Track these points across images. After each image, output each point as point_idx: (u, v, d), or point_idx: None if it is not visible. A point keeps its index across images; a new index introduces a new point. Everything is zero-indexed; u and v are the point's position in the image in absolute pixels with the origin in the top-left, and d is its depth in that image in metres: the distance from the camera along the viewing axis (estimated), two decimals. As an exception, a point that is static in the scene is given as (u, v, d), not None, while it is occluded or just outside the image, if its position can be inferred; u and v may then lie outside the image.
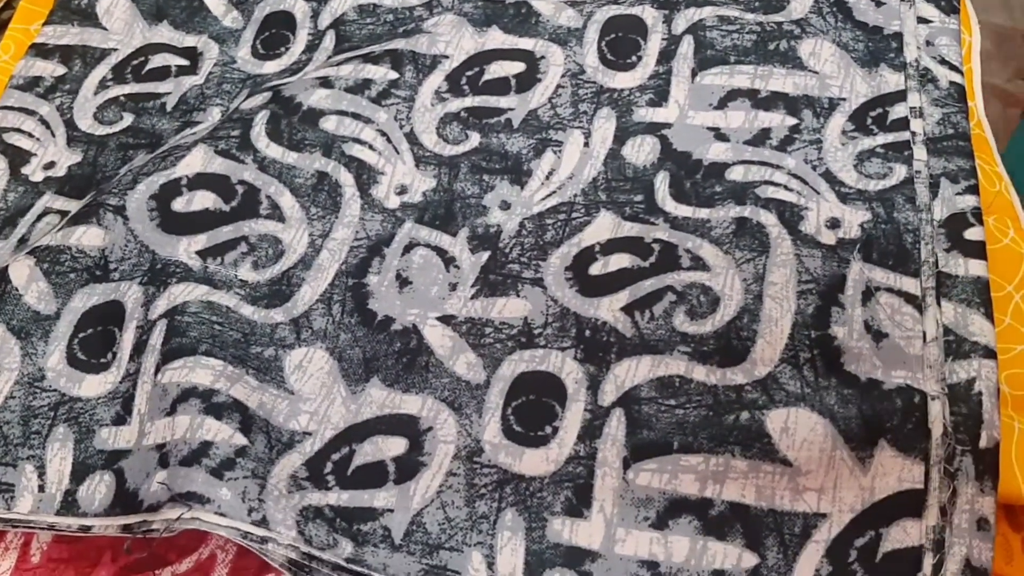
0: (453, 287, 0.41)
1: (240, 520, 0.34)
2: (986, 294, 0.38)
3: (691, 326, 0.38)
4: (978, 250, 0.39)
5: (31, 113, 0.50)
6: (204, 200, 0.44)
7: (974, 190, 0.41)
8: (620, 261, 0.41)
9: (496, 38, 0.48)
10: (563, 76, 0.47)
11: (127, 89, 0.51)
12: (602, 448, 0.36)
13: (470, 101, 0.47)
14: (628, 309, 0.39)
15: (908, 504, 0.34)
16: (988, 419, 0.35)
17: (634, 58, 0.47)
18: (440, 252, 0.42)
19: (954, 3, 0.48)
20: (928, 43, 0.46)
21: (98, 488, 0.37)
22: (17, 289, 0.42)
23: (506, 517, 0.36)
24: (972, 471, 0.34)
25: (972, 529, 0.33)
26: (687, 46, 0.47)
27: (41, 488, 0.38)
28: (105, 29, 0.53)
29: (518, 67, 0.47)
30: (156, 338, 0.39)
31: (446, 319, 0.40)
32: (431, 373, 0.39)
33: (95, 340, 0.41)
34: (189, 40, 0.52)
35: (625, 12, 0.48)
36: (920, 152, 0.42)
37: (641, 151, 0.44)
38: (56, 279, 0.42)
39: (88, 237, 0.43)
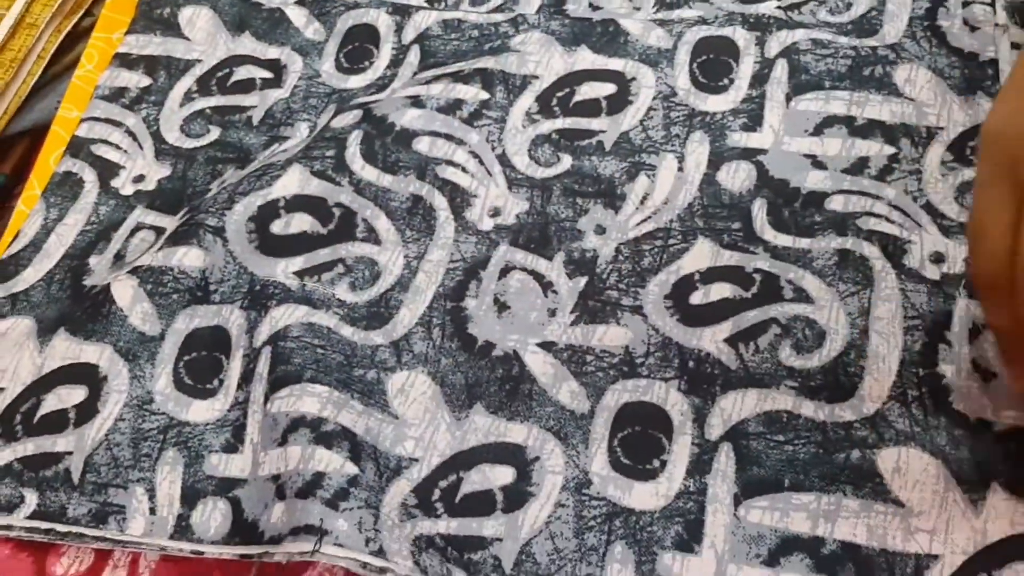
0: (552, 313, 0.41)
1: (359, 551, 0.35)
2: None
3: (797, 360, 0.39)
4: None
5: (118, 124, 0.51)
6: (302, 223, 0.44)
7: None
8: (721, 291, 0.41)
9: (586, 58, 0.48)
10: (654, 98, 0.47)
11: (213, 102, 0.51)
12: (712, 484, 0.37)
13: (561, 123, 0.47)
14: (732, 340, 0.39)
15: (1021, 548, 0.34)
16: (1101, 462, 0.35)
17: (726, 80, 0.47)
18: (537, 276, 0.42)
19: (1047, 27, 0.48)
20: None
21: (213, 515, 0.38)
22: (122, 310, 0.42)
23: (615, 550, 0.36)
24: (1084, 514, 0.35)
25: (1083, 573, 0.34)
26: (781, 70, 0.46)
27: (152, 511, 0.38)
28: (188, 39, 0.53)
29: (609, 88, 0.47)
30: (263, 366, 0.40)
31: (547, 345, 0.41)
32: (535, 401, 0.39)
33: (201, 365, 0.41)
34: (272, 52, 0.52)
35: (716, 33, 0.48)
36: (1021, 184, 0.42)
37: (737, 177, 0.44)
38: (159, 300, 0.42)
39: (189, 258, 0.43)
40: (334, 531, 0.35)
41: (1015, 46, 0.47)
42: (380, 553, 0.35)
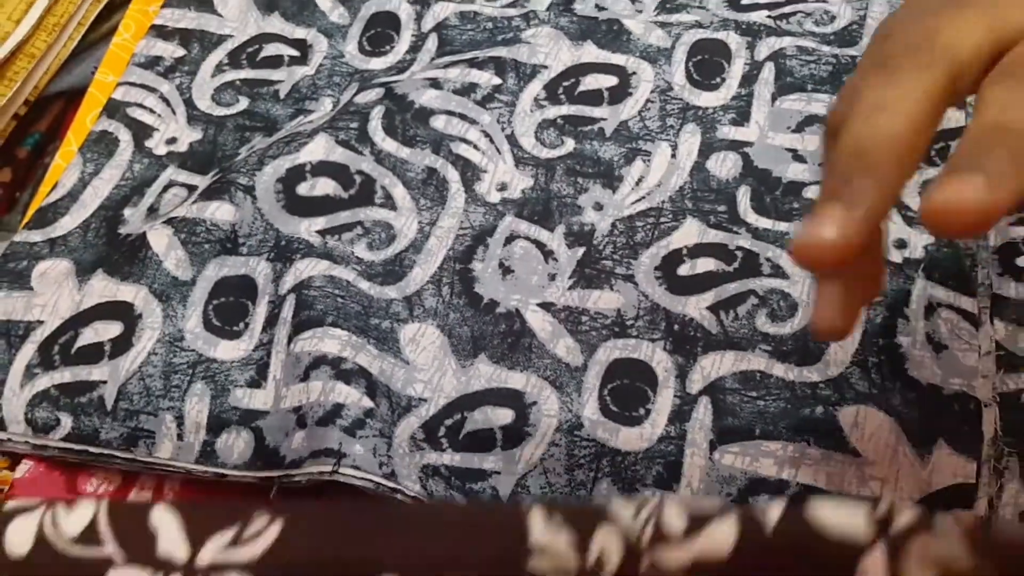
0: (552, 277, 0.45)
1: (374, 474, 0.39)
2: (1035, 315, 0.43)
3: (772, 327, 0.43)
4: (1028, 276, 0.44)
5: (152, 90, 0.54)
6: (326, 187, 0.48)
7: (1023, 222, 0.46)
8: (706, 264, 0.45)
9: (591, 52, 0.53)
10: (652, 92, 0.51)
11: (242, 74, 0.55)
12: (691, 431, 0.41)
13: (566, 109, 0.51)
14: (714, 308, 0.44)
15: (960, 496, 0.38)
16: (1033, 426, 0.40)
17: (718, 79, 0.51)
18: (539, 245, 0.47)
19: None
20: None
21: (236, 443, 0.41)
22: (157, 255, 0.46)
23: (602, 486, 0.40)
24: (1017, 470, 0.39)
25: (1015, 520, 0.38)
26: (768, 72, 0.51)
27: (180, 436, 0.42)
28: (221, 16, 0.57)
29: (611, 80, 0.52)
30: (287, 311, 0.44)
31: (546, 306, 0.45)
32: (534, 354, 0.43)
33: (229, 309, 0.45)
34: (299, 32, 0.56)
35: (711, 36, 0.53)
36: (978, 184, 0.47)
37: (724, 165, 0.48)
38: (192, 248, 0.46)
39: (221, 212, 0.47)
40: (351, 455, 0.39)
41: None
42: (392, 476, 0.39)
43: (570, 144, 0.50)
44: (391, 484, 0.39)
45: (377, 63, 0.55)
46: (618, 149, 0.49)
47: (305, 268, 0.45)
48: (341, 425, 0.40)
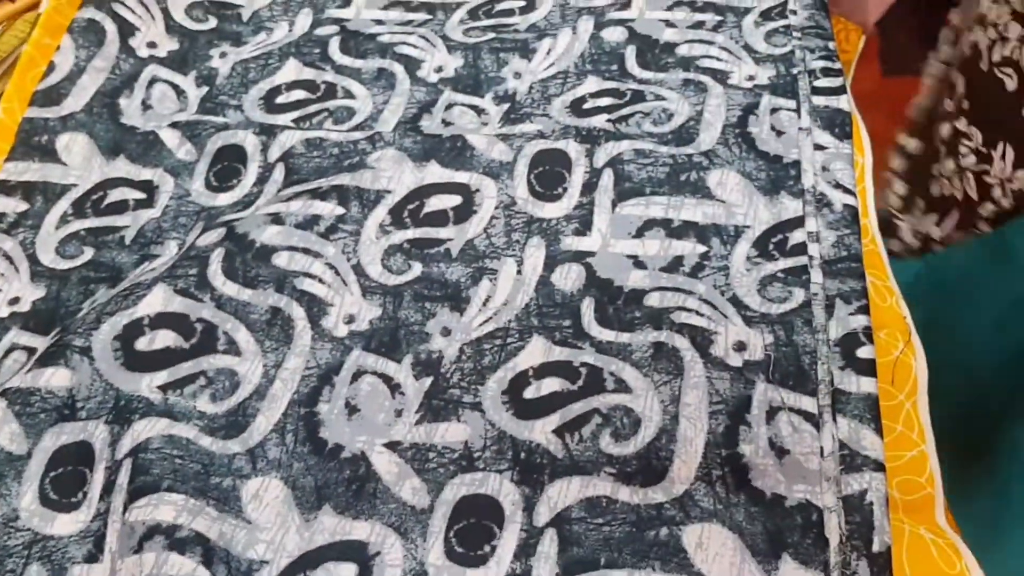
0: (399, 413, 0.45)
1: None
2: (875, 410, 0.42)
3: (615, 447, 0.42)
4: (869, 368, 0.44)
5: (-5, 249, 0.53)
6: (165, 339, 0.47)
7: (865, 310, 0.46)
8: (552, 385, 0.45)
9: (434, 172, 0.53)
10: (496, 207, 0.51)
11: (87, 223, 0.54)
12: (536, 566, 0.40)
13: (412, 233, 0.51)
14: (559, 431, 0.43)
15: (809, 611, 0.38)
16: (879, 526, 0.39)
17: (560, 189, 0.52)
18: (386, 379, 0.46)
19: (847, 129, 0.54)
20: (824, 168, 0.52)
21: None
22: (-11, 432, 0.44)
23: None
24: (867, 573, 0.39)
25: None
26: (607, 178, 0.51)
27: (15, 625, 0.40)
28: (65, 164, 0.57)
29: (455, 200, 0.52)
30: (123, 477, 0.42)
31: (392, 445, 0.44)
32: (379, 499, 0.42)
33: (67, 480, 0.43)
34: (146, 173, 0.56)
35: (551, 146, 0.53)
36: (817, 275, 0.47)
37: (568, 278, 0.48)
38: (27, 420, 0.45)
39: (56, 378, 0.46)
40: (182, 635, 0.37)
41: (817, 147, 0.53)
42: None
43: (417, 268, 0.49)
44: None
45: (224, 198, 0.55)
46: (465, 269, 0.49)
47: (143, 429, 0.44)
48: (173, 602, 0.38)
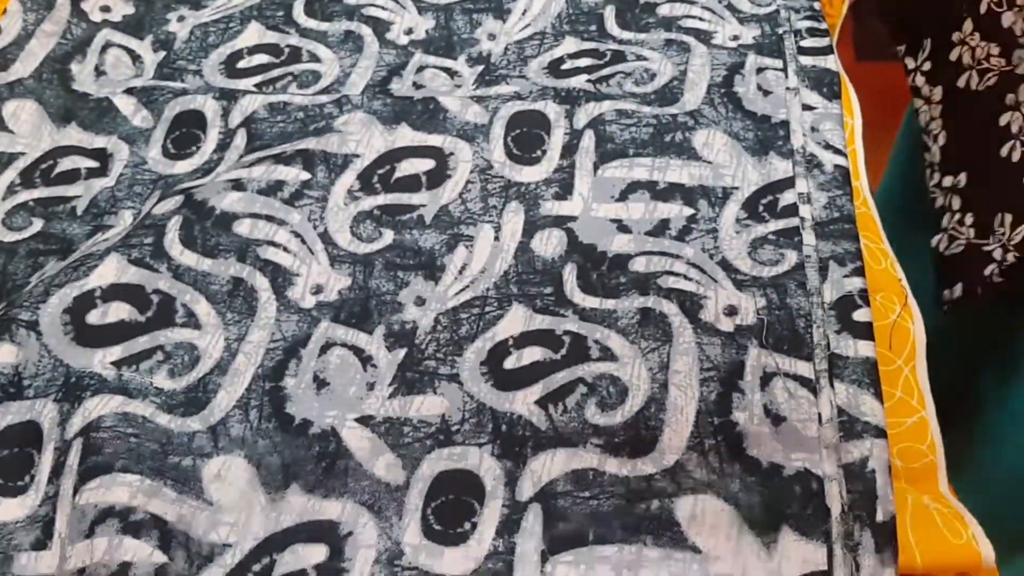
0: (371, 386, 0.42)
1: (163, 643, 0.34)
2: (875, 374, 0.40)
3: (602, 418, 0.40)
4: (866, 331, 0.42)
5: (-64, 222, 0.50)
6: (119, 311, 0.44)
7: (860, 272, 0.44)
8: (533, 354, 0.42)
9: (405, 135, 0.50)
10: (472, 172, 0.48)
11: (36, 194, 0.51)
12: (520, 542, 0.37)
13: (382, 199, 0.48)
14: (542, 402, 0.41)
15: (810, 584, 0.36)
16: (882, 494, 0.37)
17: (539, 152, 0.49)
18: (357, 351, 0.43)
19: (835, 89, 0.52)
20: (813, 129, 0.49)
21: None
22: (-75, 413, 0.41)
23: None
24: (872, 545, 0.36)
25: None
26: (588, 140, 0.49)
27: (-44, 619, 0.37)
28: (12, 132, 0.53)
29: (428, 164, 0.49)
30: (73, 458, 0.39)
31: (364, 420, 0.41)
32: (350, 477, 0.40)
33: (13, 462, 0.40)
34: (99, 141, 0.53)
35: (529, 107, 0.51)
36: (809, 237, 0.45)
37: (549, 244, 0.46)
38: (-33, 400, 0.41)
39: (1, 355, 0.42)
40: (137, 624, 0.34)
41: (806, 107, 0.50)
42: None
43: (389, 236, 0.47)
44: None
45: (182, 166, 0.51)
46: (439, 236, 0.46)
47: (95, 407, 0.41)
48: (127, 589, 0.35)
